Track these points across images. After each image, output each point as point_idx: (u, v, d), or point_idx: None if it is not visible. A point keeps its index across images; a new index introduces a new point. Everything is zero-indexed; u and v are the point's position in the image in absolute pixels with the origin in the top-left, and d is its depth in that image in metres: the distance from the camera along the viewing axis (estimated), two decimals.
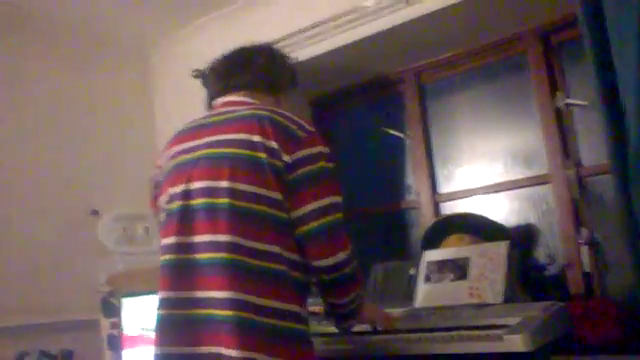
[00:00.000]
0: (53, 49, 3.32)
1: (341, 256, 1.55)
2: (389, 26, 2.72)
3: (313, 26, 2.86)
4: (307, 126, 1.60)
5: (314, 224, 1.52)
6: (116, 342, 2.66)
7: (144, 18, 3.35)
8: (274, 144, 1.53)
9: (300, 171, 1.53)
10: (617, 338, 2.01)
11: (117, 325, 2.64)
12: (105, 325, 2.74)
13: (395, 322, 1.91)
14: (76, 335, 2.84)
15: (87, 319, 2.87)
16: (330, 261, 1.53)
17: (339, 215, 1.57)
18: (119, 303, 2.69)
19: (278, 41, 2.89)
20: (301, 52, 2.94)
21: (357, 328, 1.81)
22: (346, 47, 2.89)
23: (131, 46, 3.62)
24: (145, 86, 3.71)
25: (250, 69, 1.78)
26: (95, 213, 3.25)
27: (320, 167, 1.56)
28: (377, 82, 3.25)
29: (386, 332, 1.88)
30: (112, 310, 2.72)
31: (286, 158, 1.53)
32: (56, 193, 3.17)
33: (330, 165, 1.60)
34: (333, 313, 1.70)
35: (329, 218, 1.53)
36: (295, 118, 1.61)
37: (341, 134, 3.45)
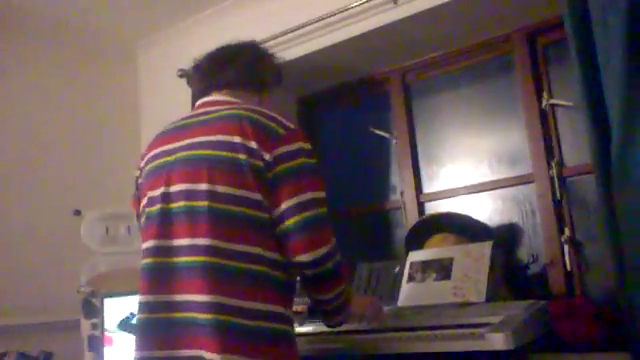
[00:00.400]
0: (38, 47, 3.29)
1: (322, 251, 1.52)
2: (376, 26, 2.72)
3: (300, 26, 2.86)
4: (287, 123, 1.59)
5: (294, 219, 1.50)
6: (97, 343, 2.64)
7: (131, 17, 3.33)
8: (254, 144, 1.52)
9: (279, 168, 1.52)
10: (597, 336, 2.02)
11: (98, 326, 2.62)
12: (86, 326, 2.72)
13: (384, 315, 1.90)
14: (56, 336, 2.81)
15: (68, 320, 2.84)
16: (310, 256, 1.51)
17: (321, 210, 1.54)
18: (100, 304, 2.66)
19: (266, 40, 2.88)
20: (288, 52, 2.94)
21: (345, 326, 1.79)
22: (333, 47, 2.89)
23: (118, 45, 3.59)
24: (131, 85, 3.69)
25: (233, 67, 1.77)
26: (78, 213, 3.22)
27: (300, 163, 1.55)
28: (363, 82, 3.25)
29: (371, 331, 1.87)
30: (93, 311, 2.70)
31: (266, 157, 1.52)
32: (39, 193, 3.14)
33: (311, 161, 1.58)
34: (319, 310, 1.68)
35: (309, 213, 1.51)
36: (274, 115, 1.60)
37: (327, 133, 3.46)
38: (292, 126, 1.60)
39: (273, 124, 1.57)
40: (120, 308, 2.59)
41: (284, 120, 1.60)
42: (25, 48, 3.24)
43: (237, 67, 1.77)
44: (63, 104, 3.34)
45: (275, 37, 2.90)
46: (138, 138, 3.46)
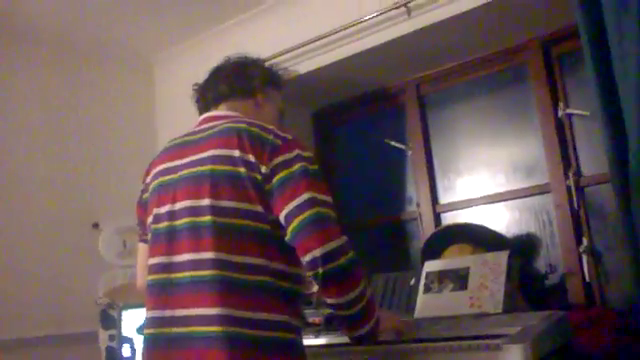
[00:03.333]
0: (57, 60, 3.34)
1: (331, 245, 1.47)
2: (390, 38, 2.73)
3: (315, 39, 2.88)
4: (283, 134, 1.60)
5: (294, 223, 1.49)
6: (115, 354, 2.65)
7: (148, 31, 3.37)
8: (252, 157, 1.54)
9: (276, 177, 1.53)
10: (617, 347, 2.00)
11: (115, 337, 2.64)
12: (104, 337, 2.73)
13: (412, 328, 1.86)
14: (74, 348, 2.83)
15: (86, 332, 2.86)
16: (318, 252, 1.46)
17: (322, 210, 1.51)
18: (118, 315, 2.68)
19: (280, 54, 2.92)
20: (302, 65, 2.96)
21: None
22: (347, 59, 2.90)
23: (134, 58, 3.64)
24: (148, 97, 3.73)
25: (219, 80, 1.81)
26: (96, 226, 3.25)
27: (297, 168, 1.54)
28: (378, 94, 3.26)
29: (387, 342, 1.86)
30: (111, 322, 2.71)
31: (263, 169, 1.53)
32: (57, 206, 3.18)
33: (310, 166, 1.57)
34: (338, 318, 1.60)
35: (308, 212, 1.49)
36: (272, 128, 1.61)
37: (343, 146, 3.47)
38: (289, 137, 1.60)
39: (270, 136, 1.58)
40: (138, 319, 2.60)
41: (280, 131, 1.61)
42: (44, 62, 3.29)
43: (223, 79, 1.81)
44: (80, 118, 3.38)
45: (290, 50, 2.92)
46: (155, 151, 3.47)
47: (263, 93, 1.84)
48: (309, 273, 1.51)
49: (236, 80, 1.81)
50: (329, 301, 1.55)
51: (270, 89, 1.87)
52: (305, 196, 1.51)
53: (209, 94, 1.81)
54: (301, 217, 1.49)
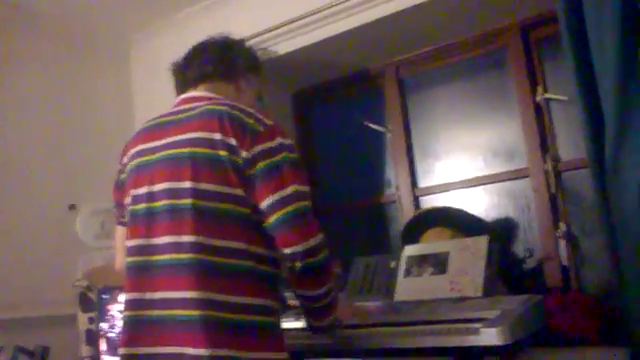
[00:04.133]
0: (30, 43, 3.26)
1: (312, 242, 1.52)
2: (370, 20, 2.71)
3: (294, 19, 2.85)
4: (265, 120, 1.60)
5: (278, 214, 1.51)
6: (94, 337, 2.64)
7: (123, 11, 3.31)
8: (233, 141, 1.54)
9: (259, 165, 1.54)
10: (593, 330, 2.03)
11: (94, 320, 2.62)
12: (83, 320, 2.72)
13: (350, 316, 1.90)
14: (53, 330, 2.81)
15: (64, 314, 2.84)
16: (300, 247, 1.51)
17: (305, 203, 1.55)
18: (97, 298, 2.67)
19: (259, 34, 2.89)
20: (282, 45, 2.94)
21: None
22: (327, 41, 2.88)
23: (110, 40, 3.57)
24: (125, 79, 3.67)
25: (201, 60, 1.79)
26: (73, 207, 3.22)
27: (280, 158, 1.56)
28: (358, 76, 3.25)
29: (366, 325, 1.87)
30: (90, 305, 2.70)
31: (244, 154, 1.53)
32: (34, 188, 3.13)
33: (292, 155, 1.59)
34: (306, 308, 1.67)
35: (293, 206, 1.52)
36: (253, 112, 1.61)
37: (322, 128, 3.45)
38: (270, 123, 1.61)
39: (251, 121, 1.58)
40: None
41: (263, 117, 1.61)
42: (17, 45, 3.21)
43: (206, 59, 1.79)
44: (58, 99, 3.31)
45: (269, 30, 2.89)
46: (132, 132, 3.41)
47: (245, 78, 1.84)
48: (287, 264, 1.54)
49: (220, 62, 1.79)
50: (300, 292, 1.61)
51: (252, 74, 1.87)
52: (290, 189, 1.53)
53: (190, 73, 1.79)
54: (285, 210, 1.51)
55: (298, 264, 1.52)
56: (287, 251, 1.51)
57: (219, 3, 3.23)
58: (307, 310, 1.67)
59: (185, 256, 1.52)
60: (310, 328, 1.74)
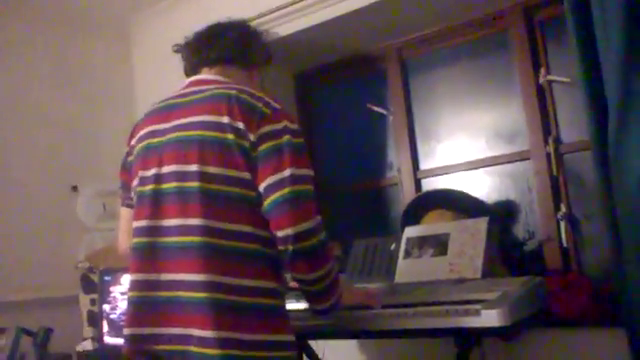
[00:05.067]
0: (29, 23, 3.26)
1: (304, 226, 1.50)
2: (372, 1, 2.69)
3: (296, 1, 2.83)
4: (273, 103, 1.60)
5: (274, 196, 1.51)
6: (96, 318, 2.66)
7: None
8: (240, 124, 1.54)
9: (263, 146, 1.53)
10: (592, 312, 2.04)
11: (96, 301, 2.64)
12: (85, 301, 2.74)
13: (377, 299, 1.88)
14: (56, 312, 2.83)
15: (67, 295, 2.86)
16: (292, 230, 1.49)
17: (302, 187, 1.53)
18: (100, 279, 2.68)
19: (262, 15, 2.87)
20: (284, 27, 2.92)
21: None
22: (329, 22, 2.87)
23: (110, 20, 3.55)
24: (125, 60, 3.66)
25: (222, 43, 1.77)
26: (75, 189, 3.22)
27: (284, 141, 1.55)
28: (360, 58, 3.23)
29: (366, 307, 1.88)
30: (92, 286, 2.72)
31: (251, 137, 1.53)
32: (35, 169, 3.14)
33: (296, 140, 1.57)
34: (302, 292, 1.66)
35: (288, 189, 1.51)
36: (261, 95, 1.61)
37: (324, 110, 3.44)
38: (278, 106, 1.61)
39: (259, 104, 1.58)
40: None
41: (271, 101, 1.61)
42: (17, 26, 3.21)
43: (226, 43, 1.77)
44: (58, 80, 3.32)
45: (271, 12, 2.88)
46: (133, 114, 3.44)
47: (258, 69, 1.84)
48: (280, 248, 1.53)
49: (241, 49, 1.78)
50: (295, 276, 1.59)
51: (264, 67, 1.88)
52: (287, 172, 1.52)
53: (203, 54, 1.76)
54: (279, 193, 1.50)
55: (290, 247, 1.50)
56: (279, 234, 1.50)
57: None
58: (305, 293, 1.66)
59: (193, 239, 1.52)
60: (312, 310, 1.73)
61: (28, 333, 2.62)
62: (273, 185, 1.51)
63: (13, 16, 3.19)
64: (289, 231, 1.49)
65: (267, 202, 1.52)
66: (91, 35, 3.50)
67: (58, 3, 3.25)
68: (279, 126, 1.56)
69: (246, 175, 1.53)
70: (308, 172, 1.57)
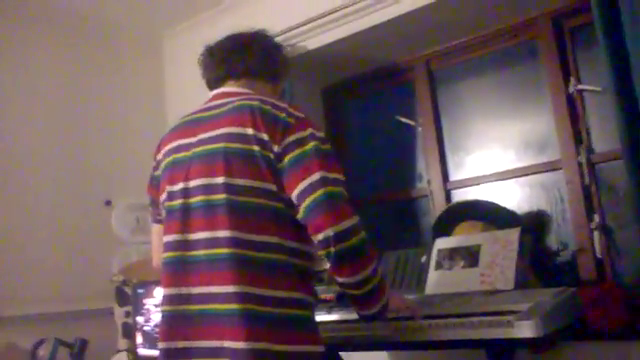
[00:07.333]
0: (65, 38, 3.34)
1: (344, 225, 1.48)
2: (399, 13, 2.71)
3: (323, 14, 2.86)
4: (296, 112, 1.61)
5: (307, 201, 1.50)
6: (130, 330, 2.69)
7: (157, 6, 3.36)
8: (265, 135, 1.55)
9: (289, 155, 1.54)
10: (628, 324, 2.00)
11: (131, 314, 2.67)
12: (119, 314, 2.77)
13: (420, 309, 1.86)
14: (91, 324, 2.88)
15: (102, 308, 2.90)
16: (331, 231, 1.46)
17: (335, 188, 1.52)
18: (133, 292, 2.71)
19: (290, 29, 2.90)
20: (312, 41, 2.95)
21: None
22: (356, 35, 2.89)
23: (143, 35, 3.63)
24: (157, 75, 3.73)
25: (251, 53, 1.78)
26: (109, 203, 3.28)
27: (310, 147, 1.55)
28: (388, 70, 3.24)
29: (398, 319, 1.87)
30: (126, 299, 2.75)
31: (276, 148, 1.54)
32: (70, 183, 3.20)
33: (323, 146, 1.57)
34: (348, 296, 1.62)
35: (321, 191, 1.49)
36: (285, 106, 1.62)
37: (353, 122, 3.46)
38: (301, 115, 1.61)
39: (283, 114, 1.59)
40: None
41: (293, 110, 1.62)
42: (53, 40, 3.29)
43: (255, 54, 1.78)
44: (92, 96, 3.39)
45: (298, 26, 2.91)
46: (165, 128, 3.47)
47: (280, 81, 1.86)
48: (321, 252, 1.51)
49: (265, 61, 1.80)
50: (340, 280, 1.57)
51: (284, 80, 1.90)
52: (317, 175, 1.51)
53: (230, 65, 1.77)
54: (314, 196, 1.49)
55: (332, 250, 1.47)
56: (319, 237, 1.48)
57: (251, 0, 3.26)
58: (350, 298, 1.62)
59: (222, 251, 1.53)
60: (359, 316, 1.69)
61: (65, 344, 2.67)
62: (305, 190, 1.51)
63: (48, 33, 3.27)
64: (329, 232, 1.47)
65: (302, 209, 1.51)
66: (124, 49, 3.57)
67: (91, 19, 3.33)
68: (305, 134, 1.57)
69: (272, 186, 1.54)
70: (339, 176, 1.56)
